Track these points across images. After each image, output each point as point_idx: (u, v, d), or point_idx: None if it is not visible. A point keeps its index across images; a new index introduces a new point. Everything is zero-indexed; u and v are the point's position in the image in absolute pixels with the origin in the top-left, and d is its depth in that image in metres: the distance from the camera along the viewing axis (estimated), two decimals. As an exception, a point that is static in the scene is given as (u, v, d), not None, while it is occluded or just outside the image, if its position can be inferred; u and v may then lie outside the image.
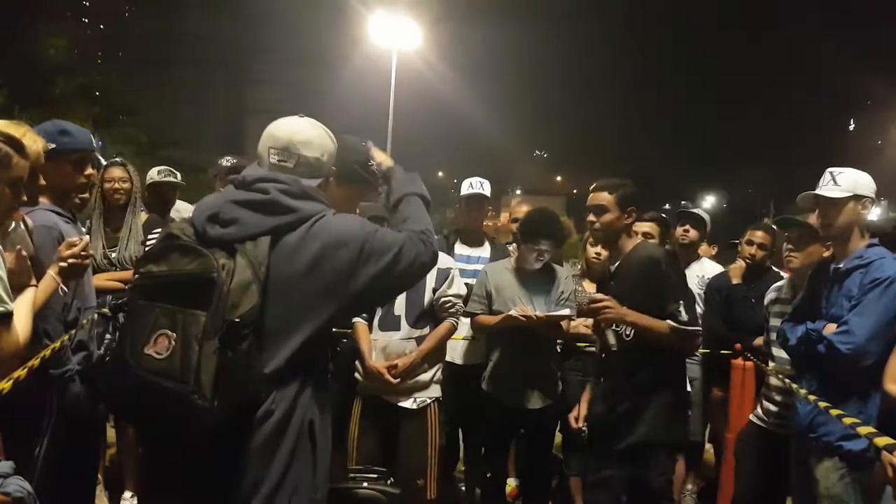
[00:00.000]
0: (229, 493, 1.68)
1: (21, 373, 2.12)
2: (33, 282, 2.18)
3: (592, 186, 3.09)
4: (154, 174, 4.49)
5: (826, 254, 3.22)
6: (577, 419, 3.37)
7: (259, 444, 1.68)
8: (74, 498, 2.66)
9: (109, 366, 1.78)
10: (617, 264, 3.06)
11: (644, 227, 3.73)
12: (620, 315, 2.87)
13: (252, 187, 1.80)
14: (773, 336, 3.25)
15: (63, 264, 2.33)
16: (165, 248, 1.69)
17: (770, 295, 3.49)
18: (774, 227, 4.14)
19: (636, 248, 3.02)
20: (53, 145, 2.44)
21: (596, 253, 4.17)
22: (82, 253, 2.38)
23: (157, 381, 1.56)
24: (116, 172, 3.82)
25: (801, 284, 3.26)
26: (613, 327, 3.00)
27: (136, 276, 1.71)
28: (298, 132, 1.89)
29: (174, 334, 1.56)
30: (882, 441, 2.05)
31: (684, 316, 2.82)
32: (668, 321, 2.84)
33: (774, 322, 3.33)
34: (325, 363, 1.91)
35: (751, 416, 3.42)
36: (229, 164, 4.28)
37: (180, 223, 1.80)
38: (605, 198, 2.97)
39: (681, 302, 2.84)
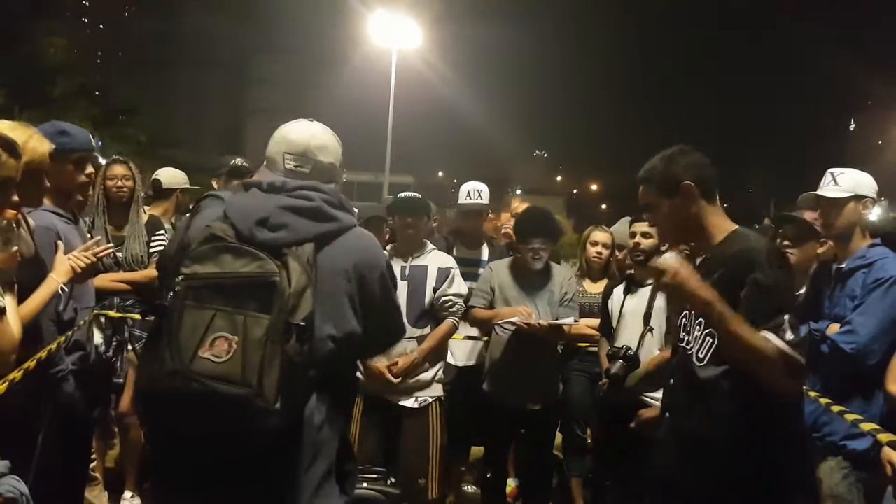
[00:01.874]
0: (273, 495, 1.69)
1: (16, 375, 2.11)
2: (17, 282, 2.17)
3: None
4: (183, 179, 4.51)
5: (821, 250, 3.22)
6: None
7: (301, 446, 1.69)
8: (66, 497, 2.66)
9: (145, 369, 1.70)
10: (700, 259, 2.12)
11: (643, 226, 3.73)
12: (692, 292, 1.86)
13: (295, 193, 1.81)
14: None
15: (72, 265, 2.34)
16: (213, 249, 1.66)
17: None
18: (773, 226, 4.13)
19: (730, 238, 2.04)
20: (53, 146, 2.44)
21: (597, 252, 4.16)
22: (82, 259, 2.38)
23: (215, 385, 1.53)
24: (119, 170, 3.81)
25: (797, 281, 3.25)
26: (683, 342, 2.06)
27: (181, 277, 1.64)
28: (315, 137, 1.90)
29: (235, 337, 1.54)
30: (885, 437, 2.05)
31: (789, 334, 1.80)
32: (766, 334, 1.80)
33: None
34: (354, 374, 1.96)
35: None
36: (235, 164, 4.28)
37: (219, 223, 1.74)
38: (643, 193, 2.16)
39: (786, 316, 1.83)
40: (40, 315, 2.32)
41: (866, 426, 2.26)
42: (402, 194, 3.68)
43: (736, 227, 2.08)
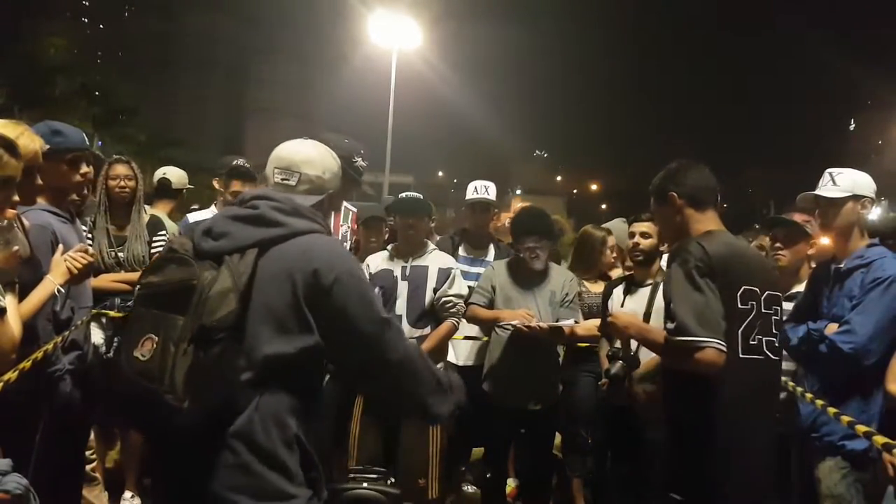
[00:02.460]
0: (205, 497, 1.69)
1: (12, 375, 2.12)
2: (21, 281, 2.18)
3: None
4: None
5: (810, 251, 3.24)
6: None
7: (244, 448, 1.68)
8: (64, 494, 2.66)
9: (111, 369, 1.83)
10: None
11: (641, 226, 3.72)
12: (619, 330, 2.56)
13: (245, 203, 1.88)
14: None
15: (68, 270, 2.34)
16: (164, 260, 1.79)
17: None
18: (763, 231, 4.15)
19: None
20: (48, 146, 2.45)
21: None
22: (79, 259, 2.38)
23: (140, 382, 1.64)
24: (121, 170, 3.80)
25: (787, 283, 3.27)
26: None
27: (139, 286, 1.81)
28: (299, 152, 1.98)
29: (157, 338, 1.64)
30: (881, 440, 2.05)
31: (671, 323, 2.17)
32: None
33: None
34: (312, 373, 1.86)
35: None
36: (235, 164, 4.29)
37: (182, 238, 1.90)
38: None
39: (671, 305, 2.20)
40: (37, 315, 2.33)
41: (861, 428, 2.26)
42: (403, 194, 3.68)
43: (709, 229, 2.34)
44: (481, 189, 4.20)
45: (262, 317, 1.72)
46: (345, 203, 4.16)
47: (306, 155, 1.97)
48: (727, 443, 2.14)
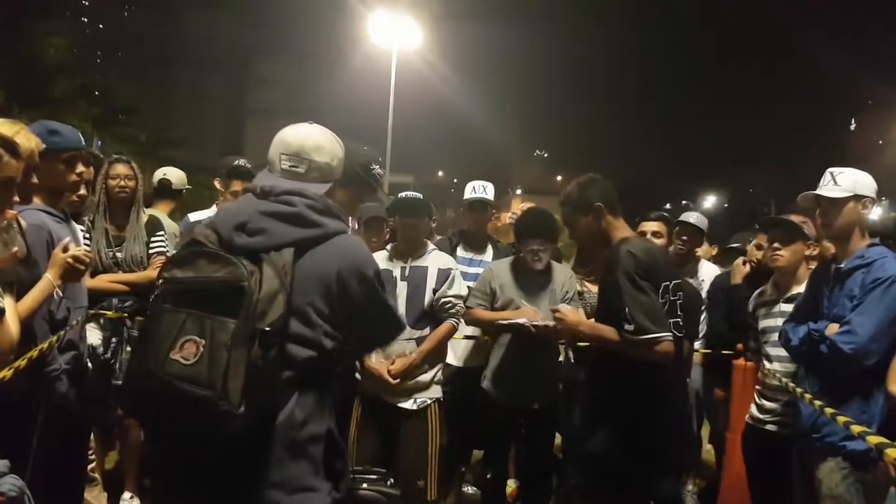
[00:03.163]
0: (238, 494, 1.70)
1: (6, 373, 2.11)
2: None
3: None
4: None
5: (808, 252, 3.23)
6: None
7: (281, 446, 1.70)
8: (64, 496, 2.66)
9: (130, 369, 1.79)
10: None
11: (652, 226, 3.71)
12: (570, 329, 2.83)
13: (279, 199, 1.83)
14: (774, 337, 3.25)
15: (61, 271, 2.33)
16: (192, 254, 1.72)
17: (755, 297, 3.48)
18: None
19: (612, 248, 2.72)
20: (44, 145, 2.44)
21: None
22: (80, 258, 2.38)
23: (182, 387, 1.57)
24: (121, 169, 3.80)
25: (786, 283, 3.26)
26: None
27: (161, 280, 1.72)
28: (309, 137, 1.93)
29: (202, 340, 1.58)
30: (874, 440, 2.05)
31: (630, 325, 2.48)
32: (617, 329, 2.56)
33: (766, 323, 3.32)
34: (341, 373, 1.95)
35: (746, 418, 3.42)
36: (235, 164, 4.29)
37: (203, 229, 1.82)
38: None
39: (626, 309, 2.50)
40: (34, 315, 2.32)
41: (856, 428, 2.25)
42: (403, 194, 3.67)
43: (625, 236, 2.73)
44: (479, 189, 4.21)
45: (299, 317, 1.72)
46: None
47: (316, 141, 1.93)
48: (672, 407, 2.75)
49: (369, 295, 1.85)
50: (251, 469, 1.68)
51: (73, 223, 2.82)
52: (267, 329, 1.59)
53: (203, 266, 1.67)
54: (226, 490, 1.69)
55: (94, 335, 3.46)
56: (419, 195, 3.66)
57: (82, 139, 2.74)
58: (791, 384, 2.96)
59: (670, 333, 2.53)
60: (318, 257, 1.78)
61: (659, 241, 3.58)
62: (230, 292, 1.61)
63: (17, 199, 2.07)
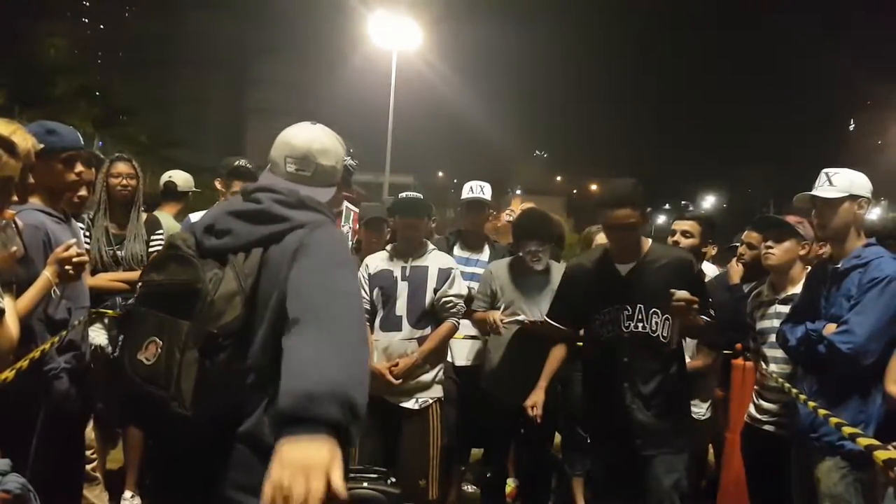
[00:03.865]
0: (211, 499, 1.66)
1: (9, 374, 2.12)
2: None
3: (608, 202, 2.90)
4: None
5: (802, 252, 3.24)
6: (532, 407, 3.38)
7: (252, 451, 1.64)
8: (65, 495, 2.66)
9: (113, 370, 1.79)
10: (635, 264, 3.00)
11: (684, 225, 3.71)
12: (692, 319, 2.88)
13: (249, 197, 1.80)
14: (771, 338, 3.26)
15: (62, 268, 2.33)
16: (166, 258, 1.73)
17: (751, 299, 3.49)
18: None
19: (651, 250, 3.01)
20: (42, 145, 2.44)
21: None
22: (77, 259, 2.38)
23: (145, 387, 1.60)
24: (123, 168, 3.79)
25: (782, 284, 3.27)
26: (640, 329, 2.96)
27: (140, 283, 1.76)
28: (316, 140, 1.87)
29: (161, 342, 1.59)
30: (864, 441, 2.06)
31: (711, 311, 2.96)
32: (703, 317, 2.91)
33: (763, 324, 3.33)
34: None
35: (745, 417, 3.43)
36: (236, 165, 4.30)
37: (184, 233, 1.82)
38: (629, 214, 2.87)
39: (710, 300, 3.00)
40: (32, 314, 2.32)
41: (847, 430, 2.26)
42: (404, 194, 3.68)
43: (650, 241, 3.04)
44: (476, 189, 4.21)
45: (266, 318, 1.65)
46: (346, 203, 4.17)
47: (322, 144, 1.87)
48: None
49: (315, 270, 1.60)
50: (217, 471, 1.64)
51: (75, 223, 2.82)
52: (215, 331, 1.57)
53: (172, 269, 1.67)
54: (197, 491, 1.68)
55: (100, 335, 3.47)
56: (419, 195, 3.67)
57: (81, 139, 2.72)
58: (787, 385, 2.97)
59: None
60: (282, 254, 1.67)
61: (689, 241, 3.58)
62: (188, 294, 1.60)
63: (16, 198, 2.07)
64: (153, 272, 1.72)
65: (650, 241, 3.06)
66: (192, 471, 1.68)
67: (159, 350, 1.58)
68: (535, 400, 3.37)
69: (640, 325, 2.92)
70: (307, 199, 1.78)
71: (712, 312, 2.96)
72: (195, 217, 4.29)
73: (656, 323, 2.92)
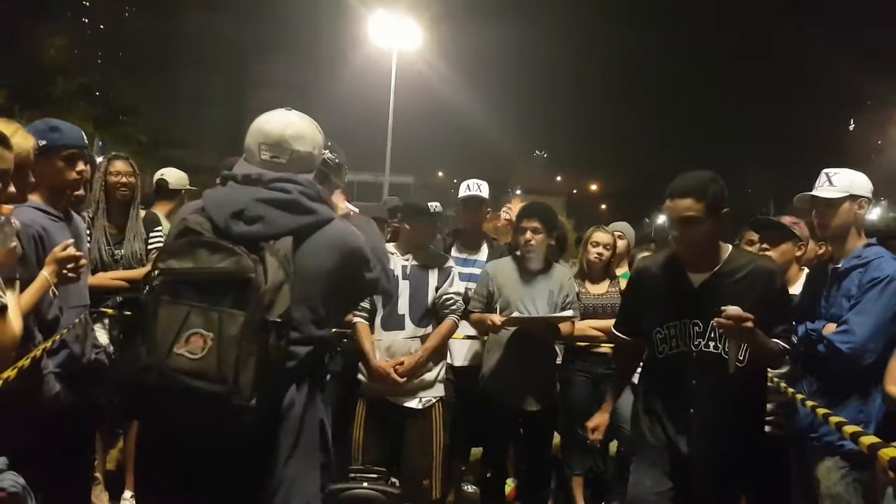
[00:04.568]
0: (253, 487, 1.69)
1: (11, 373, 2.11)
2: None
3: (671, 191, 2.51)
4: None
5: (798, 253, 3.24)
6: (594, 430, 2.93)
7: (283, 438, 1.70)
8: (72, 496, 2.66)
9: (122, 365, 1.75)
10: (709, 275, 2.52)
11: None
12: (754, 333, 2.33)
13: (272, 186, 1.79)
14: None
15: (61, 268, 2.33)
16: (189, 244, 1.66)
17: None
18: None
19: (732, 258, 2.53)
20: (45, 142, 2.43)
21: (598, 253, 4.17)
22: (76, 261, 2.37)
23: (189, 381, 1.54)
24: (121, 166, 3.78)
25: None
26: (711, 348, 2.49)
27: (157, 272, 1.67)
28: (290, 125, 1.86)
29: (210, 334, 1.54)
30: (867, 440, 2.05)
31: (794, 338, 2.54)
32: (779, 342, 2.45)
33: None
34: (326, 363, 1.94)
35: None
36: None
37: (195, 217, 1.76)
38: (691, 206, 2.43)
39: (793, 323, 2.57)
40: (29, 314, 2.32)
41: (848, 429, 2.26)
42: (416, 203, 3.62)
43: (730, 246, 2.60)
44: (474, 187, 4.21)
45: (300, 307, 1.70)
46: (346, 203, 4.16)
47: (297, 130, 1.86)
48: None
49: (361, 270, 1.90)
50: (260, 461, 1.67)
51: (78, 222, 2.79)
52: (278, 320, 1.57)
53: (203, 256, 1.62)
54: (230, 482, 1.68)
55: (102, 336, 3.47)
56: (438, 206, 3.57)
57: (84, 137, 2.71)
58: (783, 384, 2.97)
59: None
60: (316, 245, 1.76)
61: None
62: (236, 283, 1.57)
63: (13, 189, 2.06)
64: (173, 260, 1.65)
65: (730, 247, 2.58)
66: (210, 462, 1.66)
67: (209, 343, 1.53)
68: (598, 423, 2.93)
69: (712, 343, 2.47)
70: (322, 193, 1.86)
71: (793, 339, 2.51)
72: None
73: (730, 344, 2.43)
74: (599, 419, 2.93)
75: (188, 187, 4.60)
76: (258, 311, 1.55)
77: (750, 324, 2.28)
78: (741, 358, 2.40)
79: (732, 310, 2.30)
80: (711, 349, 2.48)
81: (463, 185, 4.28)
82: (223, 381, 1.52)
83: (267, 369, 1.56)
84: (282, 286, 1.61)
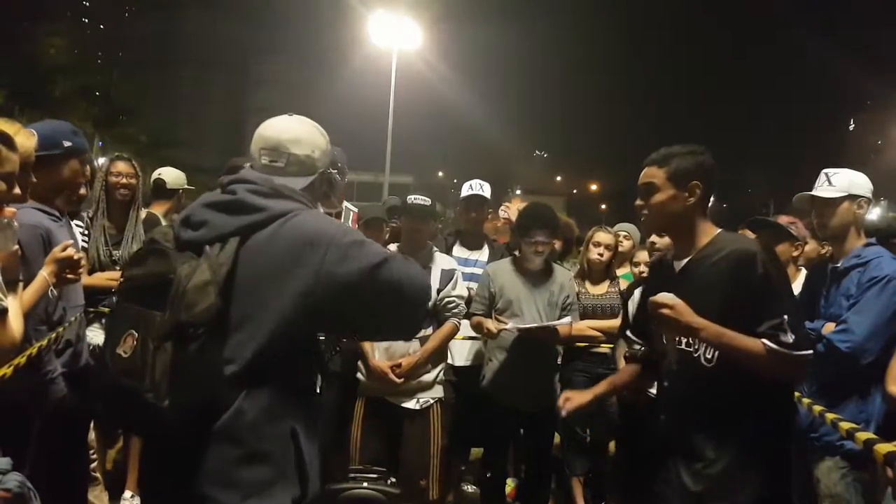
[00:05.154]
0: (193, 494, 1.65)
1: (7, 370, 2.11)
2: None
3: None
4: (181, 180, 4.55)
5: (795, 253, 3.25)
6: (567, 400, 2.52)
7: (230, 445, 1.64)
8: (67, 497, 2.66)
9: (94, 370, 1.80)
10: (686, 261, 2.21)
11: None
12: (690, 326, 2.01)
13: (225, 189, 1.82)
14: None
15: (60, 269, 2.33)
16: (146, 252, 1.74)
17: None
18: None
19: (715, 241, 2.17)
20: (70, 143, 2.52)
21: (598, 254, 4.17)
22: (75, 260, 2.38)
23: (122, 380, 1.60)
24: (123, 167, 3.79)
25: None
26: (682, 345, 2.16)
27: (122, 280, 1.76)
28: (287, 130, 1.88)
29: (137, 334, 1.60)
30: (863, 436, 2.05)
31: (789, 336, 1.96)
32: (764, 341, 1.97)
33: None
34: (308, 369, 1.85)
35: None
36: (238, 165, 4.29)
37: (164, 228, 1.85)
38: (653, 173, 2.20)
39: (784, 317, 1.98)
40: (30, 315, 2.32)
41: (845, 426, 2.26)
42: (411, 198, 3.64)
43: (720, 230, 2.22)
44: (476, 186, 4.24)
45: (247, 309, 1.65)
46: (346, 203, 4.17)
47: (294, 134, 1.87)
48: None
49: (332, 254, 1.67)
50: (197, 468, 1.64)
51: (71, 224, 2.82)
52: (188, 320, 1.56)
53: (151, 263, 1.69)
54: (175, 485, 1.68)
55: (97, 335, 3.47)
56: (427, 200, 3.61)
57: (86, 142, 2.77)
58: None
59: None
60: (263, 242, 1.70)
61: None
62: (161, 286, 1.61)
63: (18, 191, 2.07)
64: (134, 267, 1.73)
65: (719, 231, 2.21)
66: (174, 466, 1.68)
67: (135, 342, 1.59)
68: (572, 396, 2.54)
69: (685, 339, 2.14)
70: (282, 188, 1.79)
71: (788, 339, 1.96)
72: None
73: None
74: (575, 394, 2.56)
75: (186, 187, 4.61)
76: (173, 311, 1.57)
77: (668, 311, 2.01)
78: (708, 357, 2.07)
79: (661, 296, 2.04)
80: (684, 346, 2.14)
81: (465, 186, 4.30)
82: (141, 378, 1.56)
83: (182, 369, 1.56)
84: (205, 287, 1.59)
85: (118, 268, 3.65)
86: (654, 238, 3.96)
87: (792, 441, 2.16)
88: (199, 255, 1.66)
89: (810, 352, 2.01)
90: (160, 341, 1.56)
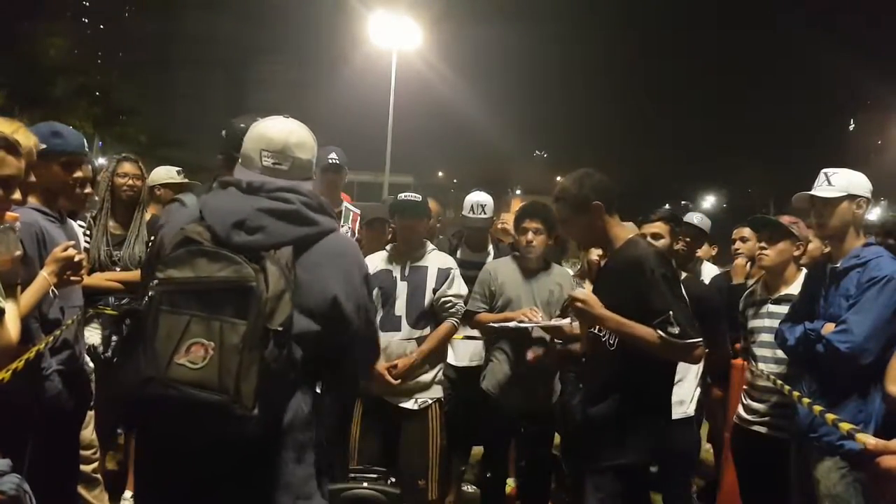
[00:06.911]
0: (245, 498, 1.68)
1: (5, 375, 2.11)
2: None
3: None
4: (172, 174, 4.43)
5: (796, 253, 3.25)
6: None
7: (290, 450, 1.69)
8: (58, 496, 2.66)
9: (122, 375, 1.70)
10: (604, 262, 2.86)
11: (653, 227, 3.70)
12: (596, 316, 2.56)
13: (274, 195, 1.79)
14: (762, 337, 3.27)
15: (61, 270, 2.33)
16: (188, 254, 1.65)
17: (745, 297, 3.49)
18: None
19: (624, 246, 2.64)
20: (44, 146, 2.43)
21: (599, 254, 4.17)
22: (76, 262, 2.37)
23: (191, 392, 1.54)
24: (129, 168, 3.78)
25: (775, 284, 3.28)
26: (595, 330, 2.68)
27: (156, 281, 1.65)
28: (293, 133, 1.88)
29: (211, 343, 1.54)
30: (862, 437, 2.05)
31: (675, 328, 2.44)
32: (661, 332, 2.46)
33: (754, 323, 3.33)
34: (334, 371, 1.90)
35: (734, 418, 3.43)
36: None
37: (194, 227, 1.74)
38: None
39: (670, 312, 2.45)
40: (30, 315, 2.32)
41: (844, 426, 2.27)
42: (402, 195, 3.66)
43: (631, 235, 2.70)
44: (478, 209, 4.09)
45: (303, 316, 1.70)
46: (346, 204, 4.17)
47: (299, 138, 1.89)
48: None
49: (364, 290, 1.92)
50: (264, 472, 1.66)
51: (71, 224, 2.80)
52: (279, 329, 1.57)
53: (203, 266, 1.61)
54: (234, 493, 1.67)
55: (94, 335, 3.46)
56: (418, 197, 3.64)
57: (85, 144, 2.73)
58: (779, 382, 2.97)
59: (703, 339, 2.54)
60: (317, 256, 1.77)
61: (661, 243, 3.57)
62: (237, 292, 1.57)
63: (18, 196, 2.06)
64: (172, 269, 1.63)
65: (629, 237, 2.68)
66: (236, 474, 1.66)
67: (210, 352, 1.53)
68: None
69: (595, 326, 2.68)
70: (325, 204, 1.86)
71: (674, 330, 2.44)
72: (188, 206, 4.18)
73: None
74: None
75: (166, 181, 4.37)
76: (260, 320, 1.55)
77: (580, 304, 2.57)
78: (612, 342, 2.58)
79: (576, 291, 2.76)
80: (595, 331, 2.70)
81: (466, 205, 4.14)
82: (225, 390, 1.52)
83: (269, 379, 1.55)
84: (283, 295, 1.60)
85: (118, 268, 3.65)
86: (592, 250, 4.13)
87: (664, 418, 2.65)
88: (253, 259, 1.64)
89: (699, 339, 2.50)
90: (248, 352, 1.53)
